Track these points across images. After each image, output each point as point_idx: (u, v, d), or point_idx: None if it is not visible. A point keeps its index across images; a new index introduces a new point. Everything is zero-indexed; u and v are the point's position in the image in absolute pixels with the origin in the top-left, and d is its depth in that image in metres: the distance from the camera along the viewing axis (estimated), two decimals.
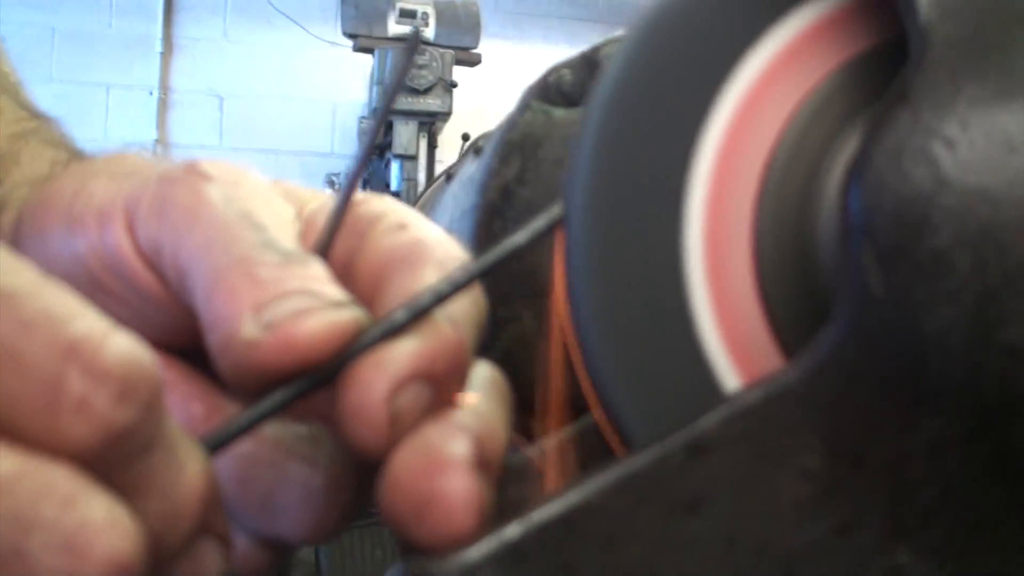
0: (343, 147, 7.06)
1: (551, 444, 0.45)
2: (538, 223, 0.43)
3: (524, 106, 0.65)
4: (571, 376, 0.43)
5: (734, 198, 0.42)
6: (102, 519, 0.33)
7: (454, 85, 6.55)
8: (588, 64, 0.66)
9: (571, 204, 0.42)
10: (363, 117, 6.52)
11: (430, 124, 6.50)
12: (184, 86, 6.64)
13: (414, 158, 6.45)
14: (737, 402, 0.38)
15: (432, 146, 6.65)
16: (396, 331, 0.41)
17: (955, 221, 0.36)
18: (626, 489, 0.38)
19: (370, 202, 0.52)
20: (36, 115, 0.70)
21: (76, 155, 0.64)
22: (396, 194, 6.09)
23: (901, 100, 0.37)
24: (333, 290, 0.43)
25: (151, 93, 6.51)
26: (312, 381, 0.41)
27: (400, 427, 0.40)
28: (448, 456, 0.39)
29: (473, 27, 6.75)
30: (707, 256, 0.42)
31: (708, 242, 0.42)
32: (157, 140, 6.50)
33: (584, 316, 0.41)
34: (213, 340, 0.42)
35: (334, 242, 0.50)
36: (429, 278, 0.45)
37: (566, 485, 0.38)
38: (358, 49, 6.45)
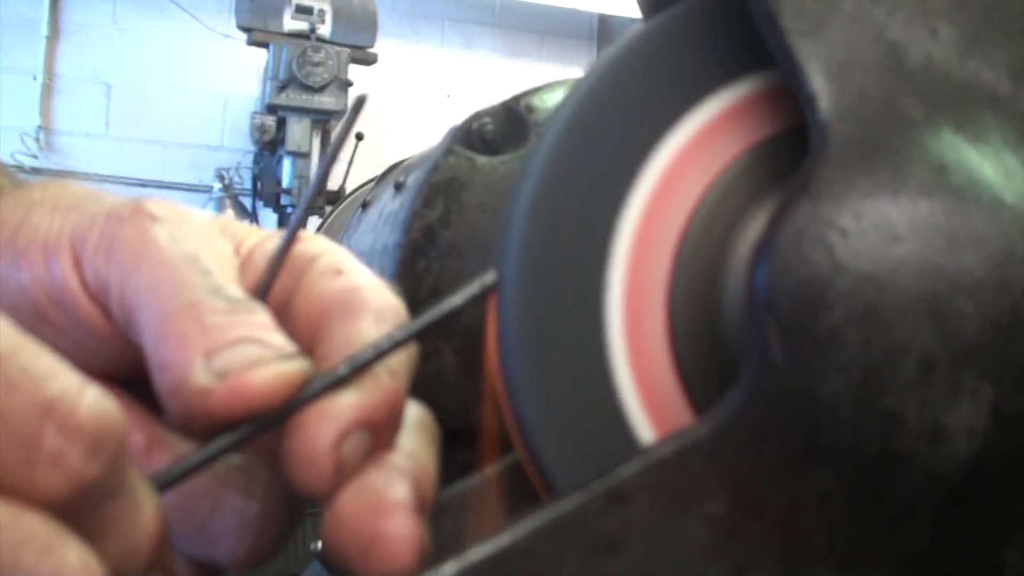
0: (233, 141, 6.97)
1: (479, 481, 0.49)
2: (472, 288, 0.47)
3: (447, 151, 0.69)
4: (498, 419, 0.47)
5: (651, 269, 0.47)
6: (75, 564, 0.36)
7: (349, 84, 6.53)
8: (509, 113, 0.70)
9: (503, 271, 0.46)
10: (256, 112, 6.44)
11: (324, 122, 6.47)
12: (70, 72, 6.47)
13: (307, 155, 6.41)
14: (652, 454, 0.43)
15: (325, 144, 6.63)
16: (339, 383, 0.45)
17: (846, 302, 0.41)
18: (551, 532, 0.42)
19: (306, 241, 0.55)
20: None
21: (7, 177, 0.65)
22: (287, 191, 6.05)
23: (802, 190, 0.42)
24: (279, 339, 0.46)
25: (35, 78, 6.33)
26: (259, 427, 0.44)
27: (343, 472, 0.44)
28: (390, 500, 0.43)
29: (370, 26, 6.72)
30: (626, 321, 0.46)
31: (627, 308, 0.47)
32: (40, 126, 6.33)
33: (513, 374, 0.45)
34: (163, 382, 0.45)
35: (273, 284, 0.53)
36: (367, 328, 0.49)
37: (497, 527, 0.42)
38: (252, 43, 6.38)
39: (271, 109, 6.33)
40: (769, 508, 0.43)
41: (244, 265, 0.54)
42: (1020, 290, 0.41)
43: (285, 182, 6.18)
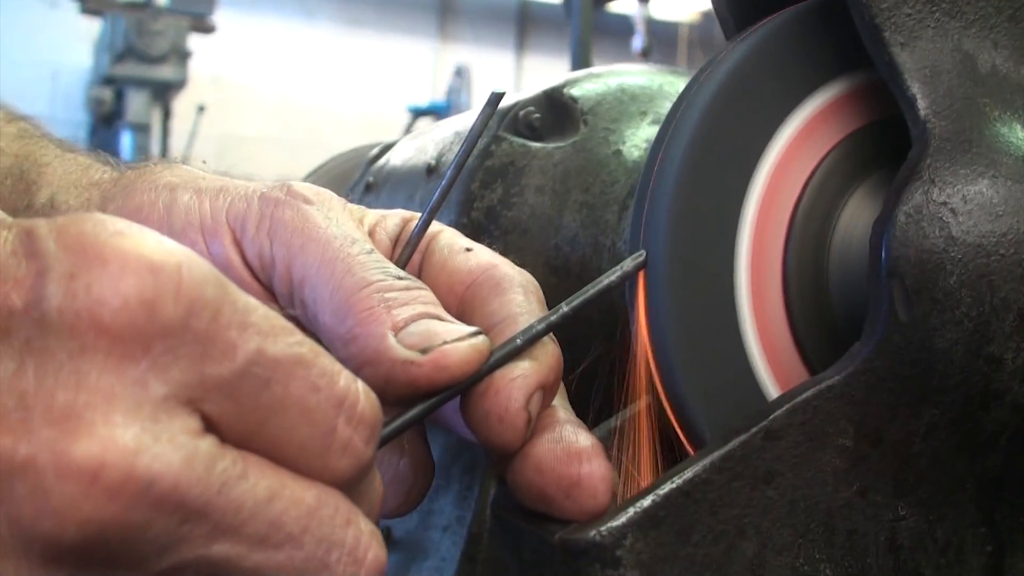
0: (66, 113, 6.73)
1: (619, 424, 0.57)
2: (625, 266, 0.54)
3: (497, 137, 0.75)
4: (641, 372, 0.55)
5: (769, 247, 0.55)
6: (369, 533, 0.42)
7: (189, 54, 6.40)
8: (552, 103, 0.77)
9: (652, 249, 0.54)
10: (93, 84, 6.23)
11: (164, 93, 6.33)
12: None
13: (147, 128, 6.26)
14: (796, 397, 0.51)
15: (166, 116, 6.48)
16: (518, 353, 0.52)
17: (961, 268, 0.50)
18: (723, 467, 0.50)
19: (413, 220, 0.62)
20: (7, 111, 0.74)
21: (96, 157, 0.69)
22: None
23: (915, 177, 0.51)
24: (448, 316, 0.52)
25: None
26: (453, 392, 0.50)
27: (529, 427, 0.51)
28: (584, 447, 0.50)
29: None
30: (752, 291, 0.55)
31: (752, 280, 0.55)
32: None
33: (665, 340, 0.53)
34: (352, 351, 0.51)
35: (410, 261, 0.59)
36: (519, 300, 0.56)
37: (680, 464, 0.50)
38: (86, 11, 6.18)
39: (108, 81, 6.16)
40: (886, 440, 0.52)
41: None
42: None
43: (126, 156, 6.00)
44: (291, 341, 0.41)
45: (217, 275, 0.39)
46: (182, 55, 6.26)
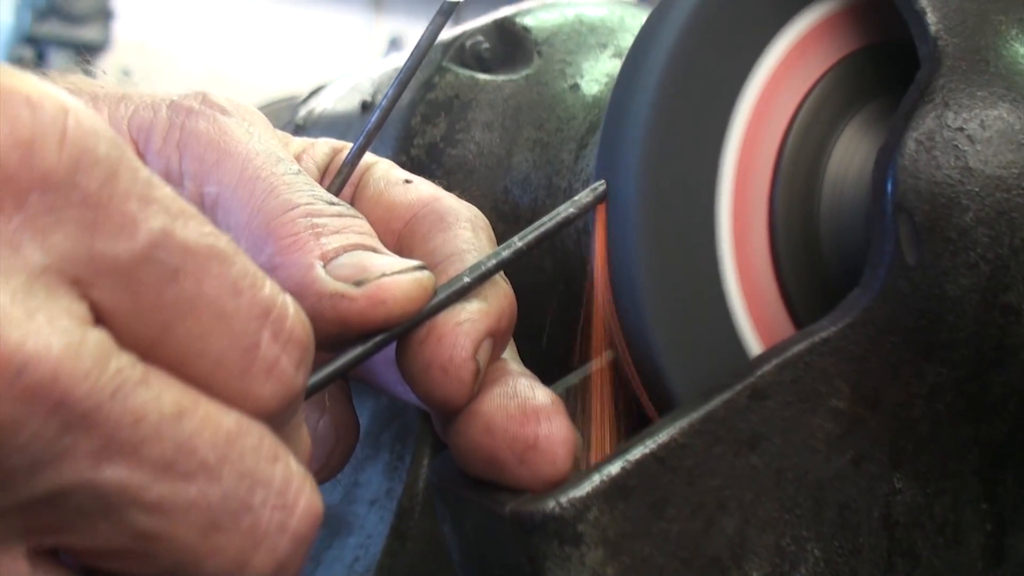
0: None
1: (580, 378, 0.49)
2: (584, 197, 0.47)
3: (440, 68, 0.68)
4: (600, 319, 0.48)
5: (754, 180, 0.48)
6: (300, 474, 0.34)
7: (112, 15, 6.19)
8: (503, 32, 0.69)
9: (617, 181, 0.46)
10: (13, 43, 6.01)
11: (87, 55, 6.12)
12: None
13: None
14: (786, 350, 0.44)
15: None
16: (465, 292, 0.44)
17: (978, 203, 0.43)
18: (702, 429, 0.43)
19: (344, 151, 0.54)
20: None
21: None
22: None
23: (926, 100, 0.44)
24: (386, 250, 0.45)
25: None
26: (389, 337, 0.43)
27: (477, 380, 0.43)
28: (541, 403, 0.42)
29: None
30: (734, 229, 0.48)
31: (735, 216, 0.48)
32: None
33: (630, 279, 0.46)
34: (276, 280, 0.43)
35: (340, 194, 0.51)
36: (467, 235, 0.48)
37: (653, 426, 0.43)
38: None
39: (30, 40, 5.93)
40: (884, 402, 0.46)
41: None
42: None
43: None
44: (205, 230, 0.33)
45: (113, 134, 0.32)
46: (106, 15, 6.05)
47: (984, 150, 0.44)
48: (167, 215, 0.32)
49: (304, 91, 1.01)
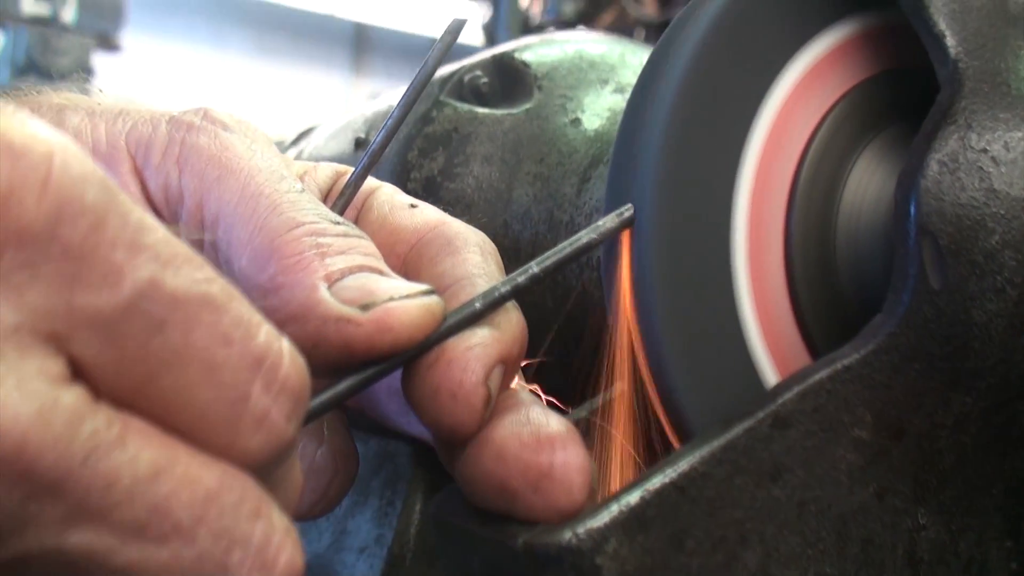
0: None
1: (599, 405, 0.47)
2: (608, 222, 0.45)
3: (438, 102, 0.66)
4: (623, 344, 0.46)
5: (770, 212, 0.47)
6: (283, 531, 0.32)
7: (92, 73, 6.20)
8: (501, 67, 0.68)
9: (640, 206, 0.45)
10: None
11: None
12: None
13: None
14: (808, 377, 0.43)
15: None
16: (476, 319, 0.42)
17: (1004, 226, 0.42)
18: (724, 458, 0.41)
19: (347, 174, 0.52)
20: None
21: None
22: None
23: (948, 121, 0.43)
24: (392, 272, 0.43)
25: None
26: (396, 363, 0.41)
27: (488, 407, 0.41)
28: (555, 431, 0.40)
29: (116, 13, 6.42)
30: (750, 255, 0.46)
31: (751, 244, 0.46)
32: None
33: (650, 305, 0.44)
34: (276, 303, 0.41)
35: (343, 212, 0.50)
36: (476, 260, 0.47)
37: (673, 455, 0.41)
38: None
39: None
40: (909, 433, 0.44)
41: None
42: None
43: None
44: (198, 276, 0.31)
45: (104, 177, 0.29)
46: (86, 72, 6.06)
47: (1009, 172, 0.43)
48: (157, 263, 0.30)
49: (289, 136, 1.00)
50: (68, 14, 5.97)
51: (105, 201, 0.29)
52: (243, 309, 0.32)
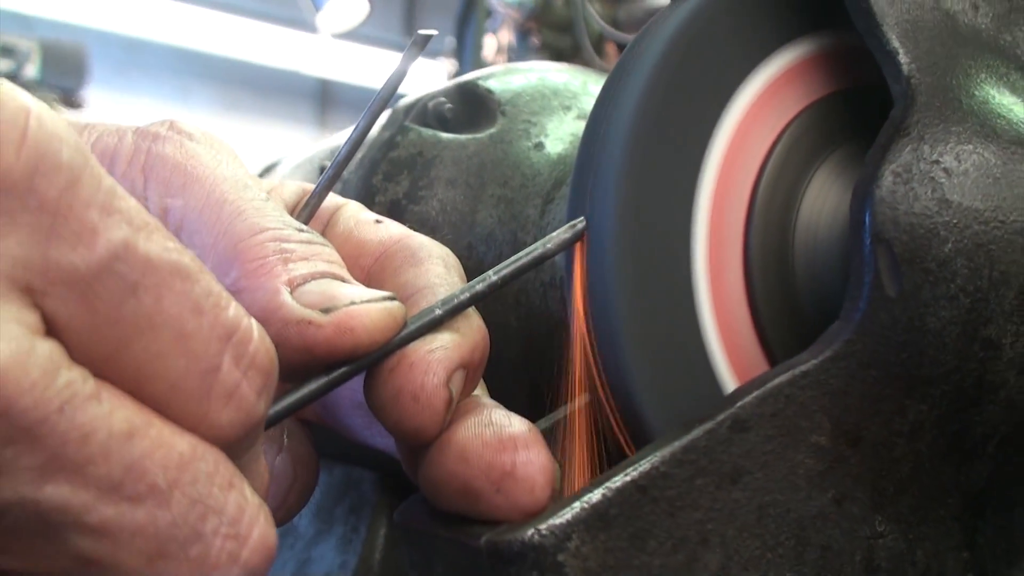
0: None
1: (560, 416, 0.47)
2: (563, 234, 0.46)
3: (402, 128, 0.67)
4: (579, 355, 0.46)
5: (728, 225, 0.48)
6: (255, 505, 0.33)
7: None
8: (465, 94, 0.69)
9: (595, 217, 0.46)
10: None
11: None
12: None
13: None
14: (767, 382, 0.43)
15: None
16: (436, 324, 0.43)
17: (956, 235, 0.43)
18: (686, 458, 0.41)
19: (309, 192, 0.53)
20: None
21: None
22: None
23: (902, 134, 0.44)
24: (354, 280, 0.43)
25: None
26: (358, 367, 0.41)
27: (450, 409, 0.42)
28: (518, 432, 0.41)
29: (79, 70, 6.42)
30: (710, 267, 0.47)
31: (710, 256, 0.47)
32: None
33: (609, 315, 0.45)
34: (243, 303, 0.42)
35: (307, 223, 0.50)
36: (439, 271, 0.47)
37: (635, 455, 0.41)
38: None
39: None
40: (865, 439, 0.45)
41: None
42: None
43: None
44: (169, 245, 0.31)
45: (79, 140, 0.30)
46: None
47: (961, 182, 0.44)
48: (130, 227, 0.31)
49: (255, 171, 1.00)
50: (31, 70, 5.96)
51: (80, 161, 0.30)
52: (212, 282, 0.33)
